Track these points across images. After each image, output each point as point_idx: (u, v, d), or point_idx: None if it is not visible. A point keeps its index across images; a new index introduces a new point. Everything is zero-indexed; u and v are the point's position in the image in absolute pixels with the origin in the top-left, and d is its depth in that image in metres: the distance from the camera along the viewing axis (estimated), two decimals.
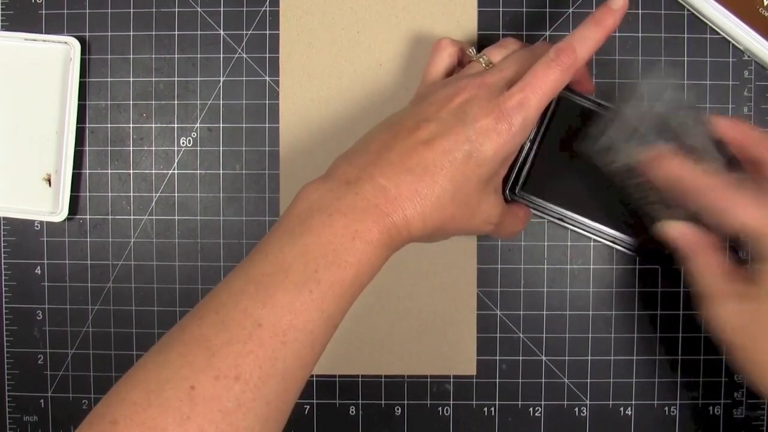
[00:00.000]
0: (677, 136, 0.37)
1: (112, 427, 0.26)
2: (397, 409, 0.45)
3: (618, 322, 0.45)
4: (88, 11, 0.45)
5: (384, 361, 0.45)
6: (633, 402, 0.44)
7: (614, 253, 0.44)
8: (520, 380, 0.45)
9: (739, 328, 0.35)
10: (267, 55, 0.45)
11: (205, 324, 0.29)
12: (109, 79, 0.45)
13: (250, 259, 0.31)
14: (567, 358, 0.45)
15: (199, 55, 0.45)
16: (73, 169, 0.45)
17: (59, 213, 0.44)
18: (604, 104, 0.41)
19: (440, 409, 0.45)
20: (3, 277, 0.46)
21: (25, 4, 0.45)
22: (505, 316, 0.45)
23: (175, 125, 0.45)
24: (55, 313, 0.46)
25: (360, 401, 0.45)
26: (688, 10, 0.44)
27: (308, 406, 0.45)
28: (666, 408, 0.44)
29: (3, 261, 0.46)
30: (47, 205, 0.45)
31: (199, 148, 0.45)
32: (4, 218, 0.46)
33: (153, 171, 0.45)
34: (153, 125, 0.45)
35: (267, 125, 0.45)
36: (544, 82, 0.33)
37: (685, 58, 0.44)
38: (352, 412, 0.45)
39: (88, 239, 0.45)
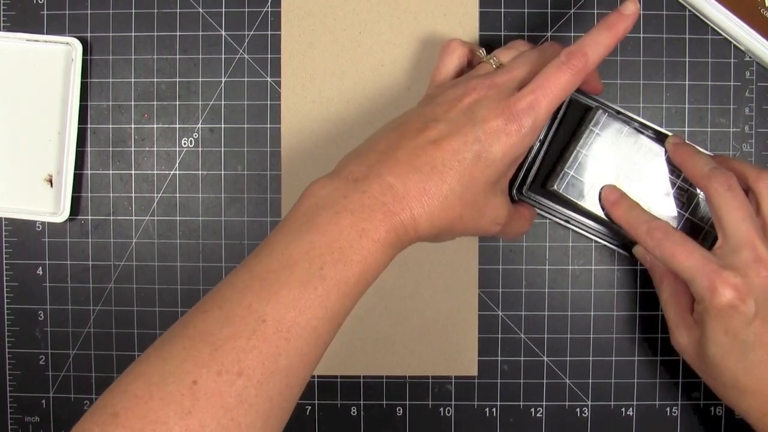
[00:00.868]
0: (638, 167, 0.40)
1: (113, 419, 0.27)
2: (399, 409, 0.45)
3: (619, 322, 0.45)
4: (89, 12, 0.45)
5: (385, 362, 0.45)
6: (634, 402, 0.44)
7: (615, 254, 0.44)
8: (522, 381, 0.45)
9: (691, 356, 0.38)
10: (268, 56, 0.45)
11: (208, 319, 0.29)
12: (110, 80, 0.45)
13: (256, 256, 0.31)
14: (568, 358, 0.45)
15: (200, 56, 0.45)
16: (75, 169, 0.45)
17: (61, 213, 0.44)
18: (613, 107, 0.41)
19: (442, 409, 0.45)
20: (5, 278, 0.46)
21: (26, 5, 0.45)
22: (507, 316, 0.45)
23: (177, 126, 0.45)
24: (57, 313, 0.46)
25: (361, 402, 0.45)
26: (690, 10, 0.44)
27: (310, 407, 0.45)
28: (667, 408, 0.45)
29: (4, 261, 0.46)
30: (49, 205, 0.45)
31: (200, 149, 0.45)
32: (6, 219, 0.46)
33: (154, 172, 0.45)
34: (154, 126, 0.45)
35: (268, 126, 0.45)
36: (555, 85, 0.33)
37: (686, 59, 0.44)
38: (354, 412, 0.45)
39: (90, 240, 0.45)
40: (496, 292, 0.45)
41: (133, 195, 0.45)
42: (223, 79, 0.45)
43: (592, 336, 0.45)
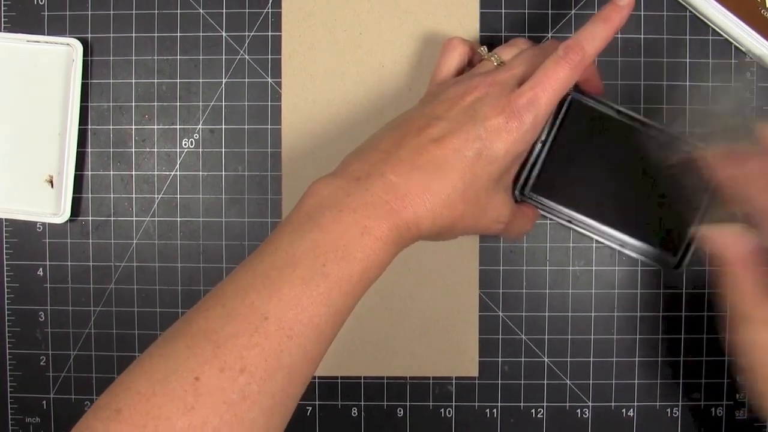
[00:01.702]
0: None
1: (116, 415, 0.27)
2: (399, 410, 0.45)
3: (620, 323, 0.45)
4: (90, 13, 0.45)
5: (386, 363, 0.45)
6: (635, 403, 0.44)
7: (616, 255, 0.44)
8: (522, 382, 0.45)
9: (763, 356, 0.33)
10: (269, 57, 0.45)
11: (211, 317, 0.29)
12: (111, 81, 0.45)
13: (258, 254, 0.31)
14: (569, 359, 0.45)
15: (201, 57, 0.45)
16: (76, 170, 0.45)
17: (61, 214, 0.44)
18: (615, 107, 0.41)
19: (442, 410, 0.45)
20: (5, 279, 0.46)
21: (27, 6, 0.45)
22: (507, 317, 0.45)
23: (177, 127, 0.45)
24: (58, 314, 0.46)
25: (362, 402, 0.45)
26: (690, 11, 0.44)
27: (310, 408, 0.45)
28: (668, 410, 0.44)
29: (5, 262, 0.46)
30: (49, 206, 0.45)
31: (201, 150, 0.45)
32: (7, 219, 0.46)
33: (155, 172, 0.45)
34: (155, 127, 0.45)
35: (269, 127, 0.45)
36: (554, 80, 0.34)
37: (687, 60, 0.44)
38: (354, 413, 0.45)
39: (90, 241, 0.45)
40: (497, 293, 0.45)
41: (133, 196, 0.45)
42: (224, 80, 0.45)
43: (592, 337, 0.45)
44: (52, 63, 0.45)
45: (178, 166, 0.45)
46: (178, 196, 0.45)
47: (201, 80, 0.45)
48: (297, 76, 0.45)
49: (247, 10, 0.45)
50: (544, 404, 0.45)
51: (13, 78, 0.45)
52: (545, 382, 0.45)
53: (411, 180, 0.32)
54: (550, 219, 0.43)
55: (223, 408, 0.27)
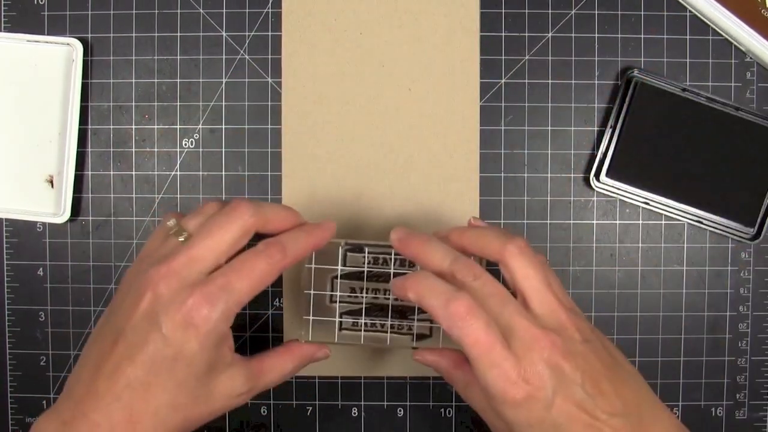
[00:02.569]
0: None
1: None
2: (400, 410, 0.45)
3: (620, 323, 0.45)
4: (90, 13, 0.45)
5: (386, 363, 0.45)
6: None
7: (616, 254, 0.44)
8: None
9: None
10: (269, 57, 0.45)
11: None
12: (111, 81, 0.45)
13: None
14: None
15: (201, 57, 0.45)
16: (76, 170, 0.45)
17: (61, 214, 0.44)
18: (680, 84, 0.43)
19: (442, 410, 0.45)
20: (5, 279, 0.46)
21: (27, 6, 0.45)
22: None
23: (178, 127, 0.45)
24: (58, 314, 0.46)
25: (362, 402, 0.45)
26: (690, 11, 0.44)
27: (310, 408, 0.45)
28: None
29: (5, 262, 0.46)
30: (50, 206, 0.45)
31: (201, 150, 0.45)
32: (7, 219, 0.46)
33: (155, 172, 0.45)
34: (155, 127, 0.45)
35: (269, 126, 0.45)
36: (251, 270, 0.33)
37: (687, 60, 0.44)
38: (355, 413, 0.45)
39: (91, 241, 0.45)
40: None
41: (133, 196, 0.45)
42: (224, 80, 0.45)
43: None
44: (52, 63, 0.45)
45: (178, 166, 0.45)
46: (179, 196, 0.45)
47: (201, 80, 0.45)
48: (297, 76, 0.45)
49: (247, 10, 0.45)
50: None
51: (13, 78, 0.45)
52: None
53: (113, 415, 0.31)
54: (628, 202, 0.44)
55: None
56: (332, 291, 0.40)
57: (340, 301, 0.40)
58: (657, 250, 0.45)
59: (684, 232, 0.45)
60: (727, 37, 0.44)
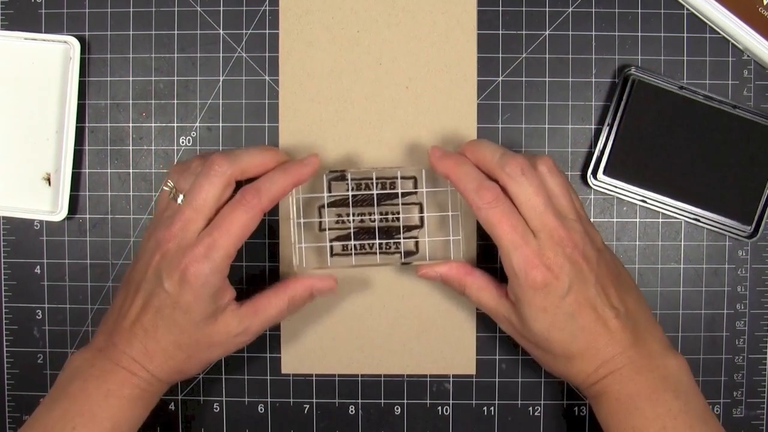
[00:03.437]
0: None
1: None
2: (397, 408, 0.45)
3: None
4: (87, 11, 0.45)
5: (383, 361, 0.45)
6: None
7: (614, 252, 0.44)
8: (520, 379, 0.45)
9: (520, 337, 0.39)
10: (267, 55, 0.45)
11: None
12: (108, 79, 0.45)
13: (28, 422, 0.37)
14: None
15: (198, 55, 0.45)
16: (73, 168, 0.45)
17: (59, 212, 0.44)
18: (677, 83, 0.43)
19: (440, 408, 0.45)
20: (2, 277, 0.46)
21: (24, 4, 0.45)
22: None
23: (175, 124, 0.45)
24: (55, 312, 0.46)
25: (359, 400, 0.45)
26: (688, 9, 0.44)
27: (308, 406, 0.45)
28: None
29: (2, 260, 0.46)
30: (47, 204, 0.45)
31: (198, 148, 0.45)
32: (4, 217, 0.46)
33: (153, 170, 0.45)
34: (152, 124, 0.45)
35: (267, 124, 0.45)
36: (231, 224, 0.37)
37: (685, 58, 0.44)
38: (352, 411, 0.45)
39: (88, 238, 0.45)
40: None
41: (131, 194, 0.45)
42: (221, 78, 0.45)
43: None
44: (49, 61, 0.45)
45: (175, 163, 0.45)
46: None
47: (198, 78, 0.45)
48: (295, 73, 0.45)
49: (244, 8, 0.45)
50: (542, 402, 0.45)
51: (10, 76, 0.45)
52: (542, 380, 0.45)
53: (133, 347, 0.37)
54: (625, 200, 0.44)
55: None
56: (320, 219, 0.43)
57: (329, 228, 0.43)
58: (654, 248, 0.45)
59: (681, 230, 0.45)
60: (724, 35, 0.44)
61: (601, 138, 0.44)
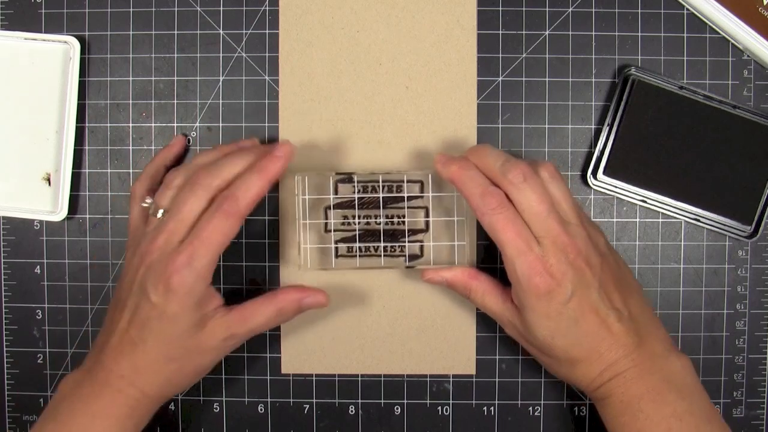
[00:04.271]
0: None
1: None
2: (397, 408, 0.45)
3: None
4: (87, 11, 0.45)
5: (383, 361, 0.45)
6: None
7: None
8: (520, 379, 0.45)
9: (524, 341, 0.40)
10: (266, 55, 0.45)
11: None
12: (108, 79, 0.45)
13: None
14: None
15: (198, 55, 0.45)
16: (73, 168, 0.45)
17: (59, 212, 0.44)
18: (677, 83, 0.43)
19: (439, 408, 0.45)
20: (2, 277, 0.46)
21: (24, 4, 0.45)
22: None
23: (175, 124, 0.45)
24: (55, 312, 0.46)
25: (359, 400, 0.45)
26: (688, 9, 0.44)
27: (307, 406, 0.45)
28: None
29: (2, 260, 0.46)
30: (47, 204, 0.45)
31: (198, 148, 0.45)
32: (4, 217, 0.46)
33: None
34: (152, 124, 0.45)
35: (266, 125, 0.45)
36: (211, 232, 0.36)
37: (685, 58, 0.44)
38: (352, 411, 0.45)
39: (88, 238, 0.45)
40: None
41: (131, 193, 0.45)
42: (221, 78, 0.45)
43: None
44: (49, 61, 0.45)
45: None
46: None
47: (198, 78, 0.45)
48: (294, 73, 0.45)
49: (244, 8, 0.45)
50: (542, 402, 0.45)
51: (10, 76, 0.45)
52: (542, 380, 0.45)
53: (121, 363, 0.37)
54: (625, 200, 0.44)
55: None
56: (326, 220, 0.43)
57: (334, 230, 0.43)
58: (654, 248, 0.45)
59: (681, 230, 0.45)
60: (724, 35, 0.44)
61: (601, 138, 0.44)
